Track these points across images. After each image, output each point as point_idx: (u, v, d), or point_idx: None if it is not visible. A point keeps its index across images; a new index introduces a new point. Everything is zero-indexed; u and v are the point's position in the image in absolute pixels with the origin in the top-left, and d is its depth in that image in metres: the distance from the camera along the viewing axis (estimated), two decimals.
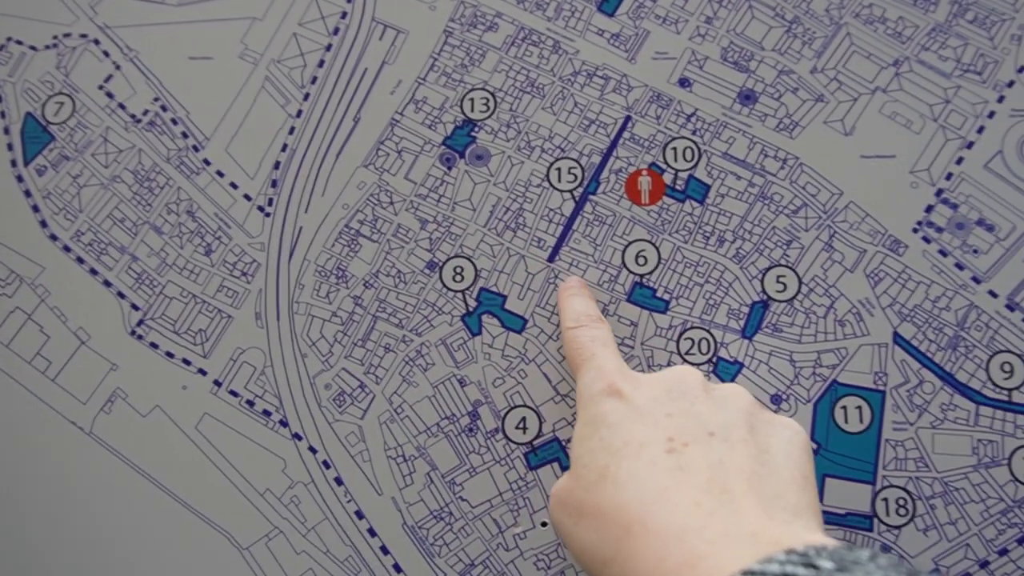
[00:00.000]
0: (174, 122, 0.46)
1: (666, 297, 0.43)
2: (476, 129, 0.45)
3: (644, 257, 0.43)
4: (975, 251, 0.43)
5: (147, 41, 0.47)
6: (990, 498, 0.40)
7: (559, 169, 0.44)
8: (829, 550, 0.24)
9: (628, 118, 0.45)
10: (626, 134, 0.44)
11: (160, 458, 0.43)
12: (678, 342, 0.43)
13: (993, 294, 0.42)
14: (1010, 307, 0.42)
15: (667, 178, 0.44)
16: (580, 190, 0.44)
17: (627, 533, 0.29)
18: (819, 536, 0.27)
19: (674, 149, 0.44)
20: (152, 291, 0.45)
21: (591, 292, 0.43)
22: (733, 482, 0.29)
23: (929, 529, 0.41)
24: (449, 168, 0.45)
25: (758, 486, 0.29)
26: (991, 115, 0.44)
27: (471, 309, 0.44)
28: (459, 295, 0.44)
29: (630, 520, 0.29)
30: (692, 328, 0.43)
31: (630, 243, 0.44)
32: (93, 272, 0.45)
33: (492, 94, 0.45)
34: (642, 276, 0.43)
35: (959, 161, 0.43)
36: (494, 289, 0.44)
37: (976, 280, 0.42)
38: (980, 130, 0.43)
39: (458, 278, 0.44)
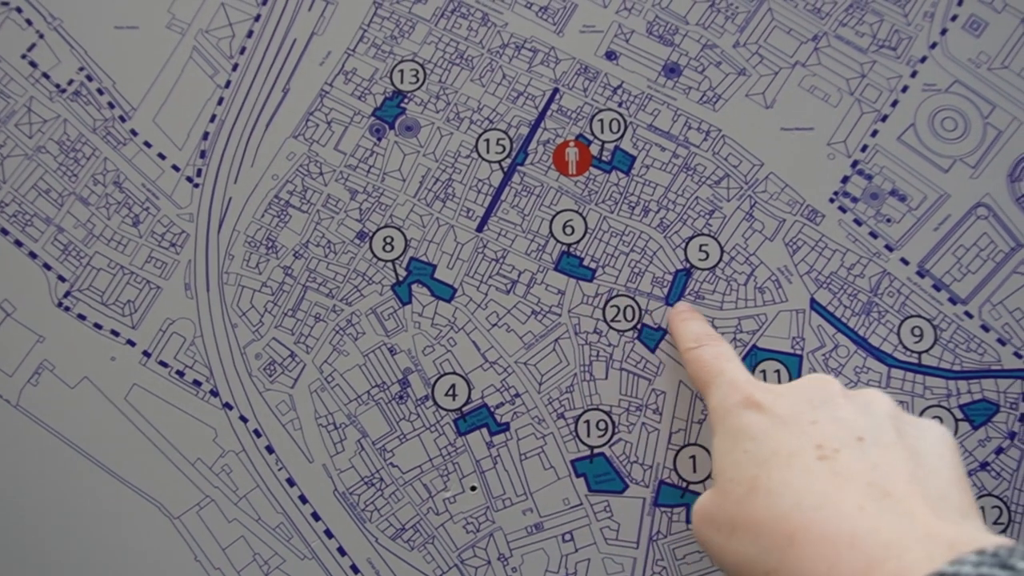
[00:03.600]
0: (100, 92, 0.45)
1: (592, 266, 0.44)
2: (406, 100, 0.45)
3: (571, 227, 0.44)
4: (888, 220, 0.44)
5: (71, 9, 0.46)
6: None
7: (488, 140, 0.45)
8: (1021, 550, 0.23)
9: (556, 90, 0.45)
10: (554, 106, 0.45)
11: (89, 429, 0.43)
12: (604, 309, 0.44)
13: (905, 261, 0.44)
14: (920, 274, 0.44)
15: (594, 149, 0.45)
16: (508, 161, 0.45)
17: (791, 542, 0.27)
18: (996, 536, 0.26)
19: (601, 121, 0.45)
20: (79, 262, 0.44)
21: (702, 315, 0.43)
22: (894, 485, 0.28)
23: None
24: (379, 139, 0.45)
25: (920, 488, 0.28)
26: (905, 89, 0.45)
27: (401, 279, 0.44)
28: (389, 265, 0.44)
29: (792, 529, 0.28)
30: (618, 296, 0.44)
31: (557, 213, 0.44)
32: (18, 244, 0.44)
33: (422, 66, 0.46)
34: (569, 245, 0.44)
35: (874, 134, 0.45)
36: (424, 259, 0.44)
37: (889, 248, 0.44)
38: (894, 104, 0.45)
39: (388, 248, 0.44)
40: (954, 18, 0.45)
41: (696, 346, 0.39)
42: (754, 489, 0.30)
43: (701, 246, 0.44)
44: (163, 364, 0.44)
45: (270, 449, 0.43)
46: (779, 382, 0.43)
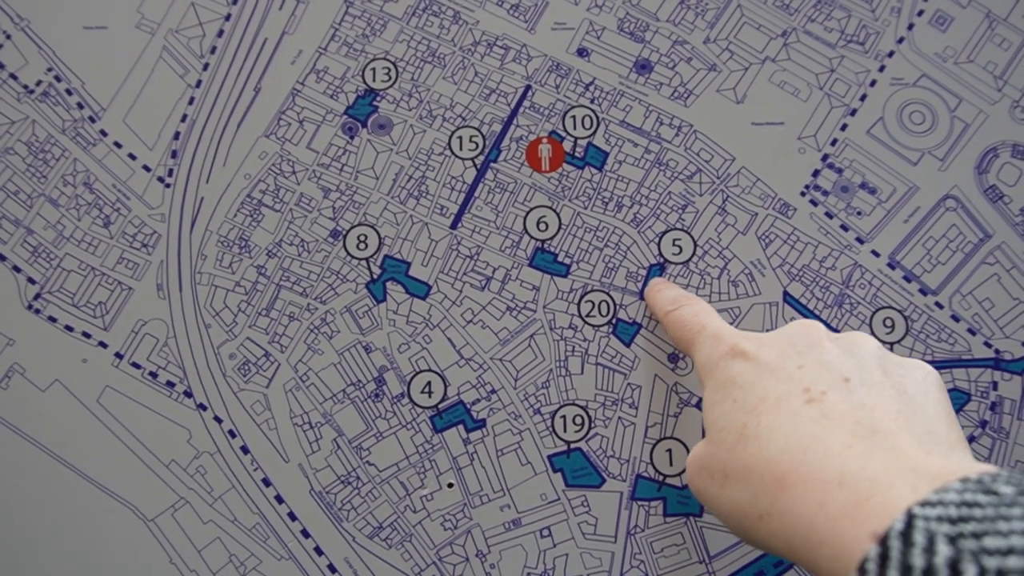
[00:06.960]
0: (69, 92, 0.45)
1: (567, 261, 0.44)
2: (378, 98, 0.45)
3: (545, 223, 0.44)
4: (859, 213, 0.45)
5: (39, 10, 0.46)
6: None
7: (460, 137, 0.45)
8: (1005, 475, 0.23)
9: (528, 87, 0.45)
10: (526, 103, 0.45)
11: (61, 433, 0.43)
12: (579, 304, 0.44)
13: (876, 253, 0.44)
14: (891, 265, 0.44)
15: (567, 145, 0.45)
16: (482, 158, 0.45)
17: (781, 485, 0.28)
18: (982, 464, 0.26)
19: (573, 117, 0.45)
20: (49, 264, 0.44)
21: (676, 285, 0.43)
22: (881, 422, 0.28)
23: None
24: (351, 137, 0.45)
25: (907, 424, 0.29)
26: (873, 83, 0.46)
27: (375, 276, 0.44)
28: (363, 263, 0.44)
29: (783, 472, 0.28)
30: (592, 291, 0.44)
31: (531, 209, 0.44)
32: None
33: (394, 64, 0.46)
34: (543, 241, 0.44)
35: (844, 127, 0.45)
36: (398, 256, 0.44)
37: (860, 240, 0.44)
38: (863, 98, 0.45)
39: (362, 246, 0.44)
40: (920, 13, 0.46)
41: (674, 308, 0.40)
42: (744, 436, 0.31)
43: (675, 240, 0.44)
44: (136, 365, 0.43)
45: (245, 449, 0.43)
46: None
